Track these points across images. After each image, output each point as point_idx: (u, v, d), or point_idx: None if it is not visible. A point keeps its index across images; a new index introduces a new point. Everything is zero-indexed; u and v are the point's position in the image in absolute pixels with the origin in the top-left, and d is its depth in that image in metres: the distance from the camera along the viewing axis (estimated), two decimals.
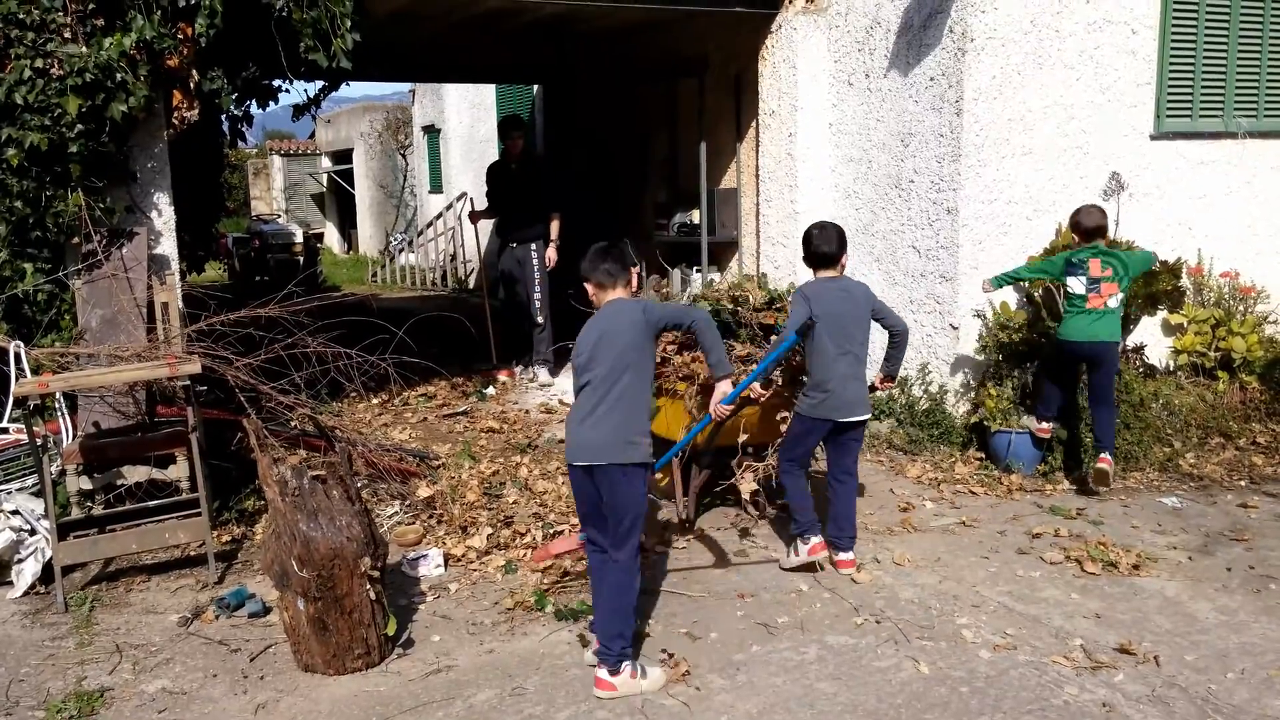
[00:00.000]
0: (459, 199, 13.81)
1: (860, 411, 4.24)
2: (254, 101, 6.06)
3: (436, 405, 7.25)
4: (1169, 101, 6.37)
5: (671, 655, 3.63)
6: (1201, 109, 6.50)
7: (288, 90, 6.02)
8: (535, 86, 11.56)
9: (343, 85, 6.99)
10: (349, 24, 5.14)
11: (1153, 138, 6.35)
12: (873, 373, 4.48)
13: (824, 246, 4.25)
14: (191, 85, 5.08)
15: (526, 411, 7.05)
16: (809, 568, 4.34)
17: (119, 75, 4.74)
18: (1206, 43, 6.43)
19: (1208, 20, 6.41)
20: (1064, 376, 5.38)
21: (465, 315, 7.66)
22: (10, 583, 4.33)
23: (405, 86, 18.14)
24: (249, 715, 3.35)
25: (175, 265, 5.31)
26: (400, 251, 17.58)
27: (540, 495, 5.23)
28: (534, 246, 7.81)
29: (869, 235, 6.58)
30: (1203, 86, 6.48)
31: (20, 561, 4.35)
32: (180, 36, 4.92)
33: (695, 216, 8.12)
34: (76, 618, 4.08)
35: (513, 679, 3.52)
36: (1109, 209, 6.14)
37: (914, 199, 6.22)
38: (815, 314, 4.15)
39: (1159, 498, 5.23)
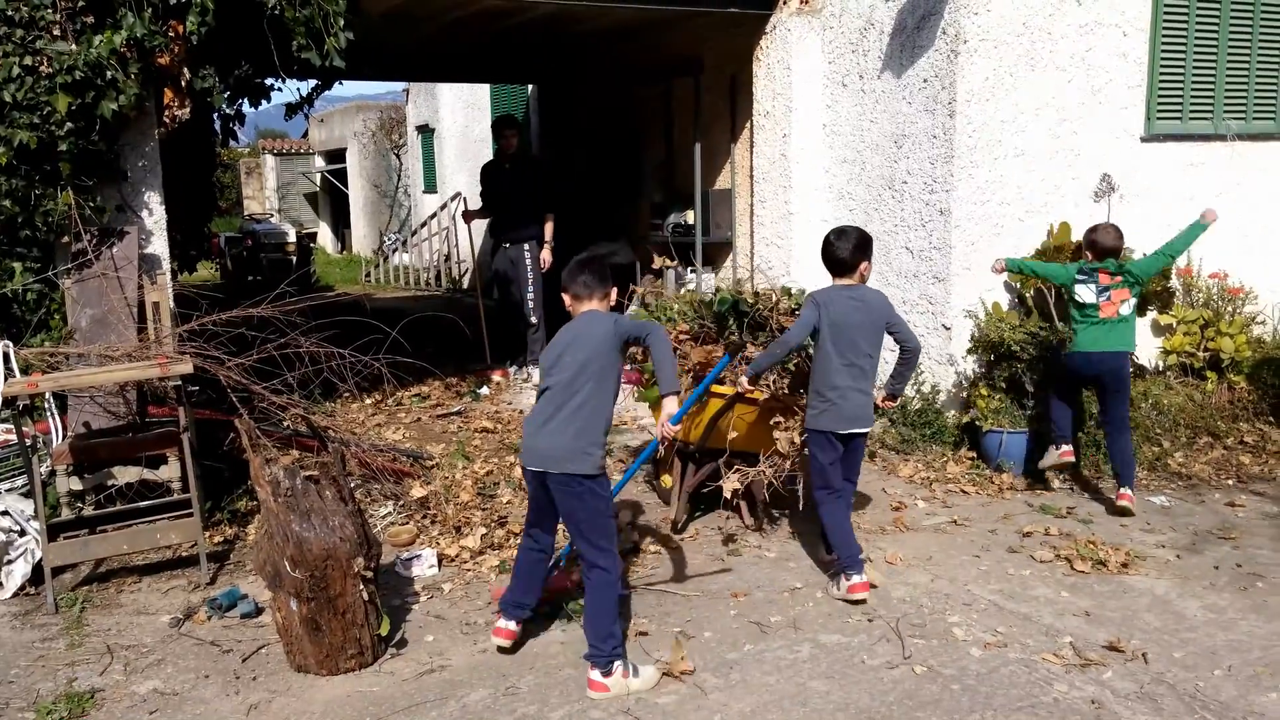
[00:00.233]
0: (453, 199, 13.79)
1: (861, 425, 4.11)
2: (246, 100, 6.05)
3: (430, 405, 7.24)
4: (1159, 104, 6.40)
5: (684, 655, 3.57)
6: (1192, 111, 6.54)
7: (280, 89, 6.01)
8: (530, 87, 11.55)
9: (336, 84, 6.98)
10: (342, 22, 5.12)
11: (1143, 140, 6.38)
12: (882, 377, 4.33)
13: (838, 252, 4.08)
14: (183, 83, 5.06)
15: (520, 411, 7.05)
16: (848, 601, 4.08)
17: (109, 73, 4.72)
18: (1197, 46, 6.47)
19: (1198, 24, 6.44)
20: (1074, 394, 5.28)
21: (459, 315, 7.64)
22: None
23: (399, 86, 18.07)
24: (241, 716, 3.35)
25: (167, 265, 5.29)
26: (394, 251, 17.55)
27: None
28: (528, 247, 7.82)
29: None
30: (1193, 89, 6.51)
31: (10, 562, 4.32)
32: (171, 34, 4.90)
33: (690, 217, 8.14)
34: (67, 619, 4.06)
35: (506, 679, 3.52)
36: (1099, 210, 6.17)
37: (907, 200, 6.23)
38: (822, 322, 4.03)
39: (1148, 496, 5.26)
